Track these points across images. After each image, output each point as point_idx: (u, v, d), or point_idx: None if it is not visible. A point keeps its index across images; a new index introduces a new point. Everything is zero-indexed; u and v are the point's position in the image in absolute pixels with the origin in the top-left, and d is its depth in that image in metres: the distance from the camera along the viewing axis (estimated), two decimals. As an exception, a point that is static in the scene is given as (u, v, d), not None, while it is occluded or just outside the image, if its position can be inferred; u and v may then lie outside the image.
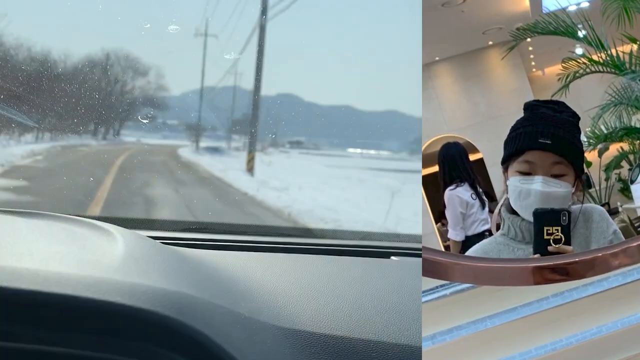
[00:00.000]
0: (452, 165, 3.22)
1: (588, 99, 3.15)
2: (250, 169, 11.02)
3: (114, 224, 1.18)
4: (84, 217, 1.24)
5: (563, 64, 3.20)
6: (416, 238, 1.81)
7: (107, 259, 0.91)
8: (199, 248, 1.32)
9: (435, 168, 3.27)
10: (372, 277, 1.26)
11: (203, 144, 13.46)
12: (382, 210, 7.21)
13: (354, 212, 7.72)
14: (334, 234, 1.88)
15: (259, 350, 0.83)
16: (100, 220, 1.20)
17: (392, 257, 1.52)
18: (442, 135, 3.78)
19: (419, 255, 1.44)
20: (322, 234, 1.89)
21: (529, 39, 3.34)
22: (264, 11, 8.74)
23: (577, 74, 3.12)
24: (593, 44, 2.98)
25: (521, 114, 1.30)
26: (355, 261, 1.42)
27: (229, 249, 1.39)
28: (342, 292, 1.11)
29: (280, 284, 1.10)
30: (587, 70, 3.11)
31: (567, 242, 1.17)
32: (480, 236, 3.11)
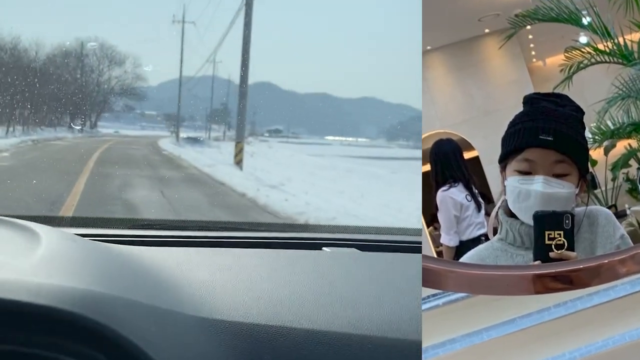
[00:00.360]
0: (445, 164, 3.22)
1: (593, 92, 3.15)
2: (239, 161, 11.06)
3: (50, 224, 1.32)
4: (11, 217, 1.34)
5: (566, 54, 3.19)
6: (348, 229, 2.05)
7: (22, 260, 1.02)
8: (140, 245, 1.43)
9: (426, 167, 3.26)
10: (296, 267, 1.41)
11: (183, 134, 13.62)
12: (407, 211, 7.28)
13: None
14: (269, 227, 2.12)
15: (172, 339, 0.93)
16: (30, 220, 1.31)
17: (324, 249, 1.65)
18: (434, 131, 3.76)
19: (350, 246, 1.70)
20: (258, 227, 2.06)
21: (528, 27, 3.33)
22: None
23: (581, 65, 3.12)
24: (599, 32, 2.98)
25: (520, 108, 1.30)
26: (282, 253, 1.56)
27: (169, 245, 1.51)
28: (263, 282, 1.24)
29: (205, 277, 1.22)
30: (592, 60, 3.11)
31: (571, 248, 1.17)
32: (475, 241, 3.12)
